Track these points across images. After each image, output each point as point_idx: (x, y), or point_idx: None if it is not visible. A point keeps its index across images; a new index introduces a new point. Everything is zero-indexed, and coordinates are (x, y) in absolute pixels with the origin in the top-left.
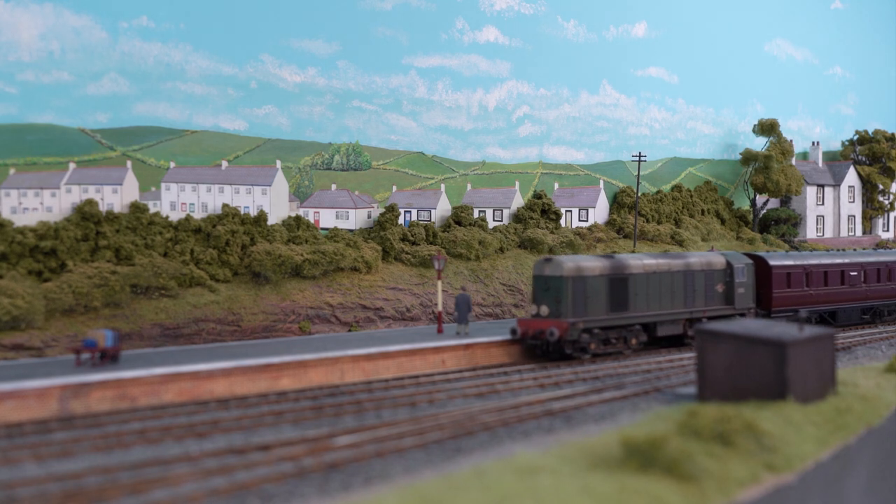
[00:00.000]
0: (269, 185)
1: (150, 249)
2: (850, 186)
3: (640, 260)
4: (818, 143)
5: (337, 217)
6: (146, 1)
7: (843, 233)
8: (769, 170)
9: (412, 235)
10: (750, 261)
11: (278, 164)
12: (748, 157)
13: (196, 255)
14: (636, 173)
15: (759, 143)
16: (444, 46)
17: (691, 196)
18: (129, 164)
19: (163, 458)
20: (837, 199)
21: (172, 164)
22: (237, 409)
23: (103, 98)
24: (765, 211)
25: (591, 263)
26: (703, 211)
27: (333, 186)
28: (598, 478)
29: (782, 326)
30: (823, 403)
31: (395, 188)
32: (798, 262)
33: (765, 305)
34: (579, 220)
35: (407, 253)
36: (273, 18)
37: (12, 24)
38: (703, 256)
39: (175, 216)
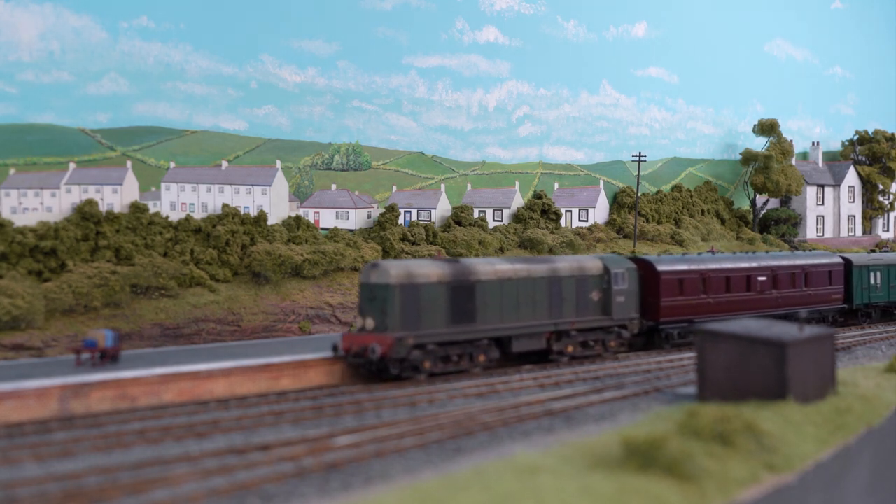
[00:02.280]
0: (269, 185)
1: (150, 249)
2: (850, 186)
3: (492, 265)
4: (818, 143)
5: (337, 217)
6: (146, 1)
7: (843, 233)
8: (769, 170)
9: (412, 235)
10: (632, 265)
11: (278, 164)
12: (748, 157)
13: (196, 255)
14: (636, 173)
15: (759, 143)
16: (444, 46)
17: (691, 196)
18: (129, 164)
19: (163, 458)
20: (837, 199)
21: (172, 164)
22: (237, 409)
23: (103, 98)
24: (765, 211)
25: (427, 269)
26: (703, 211)
27: (333, 186)
28: (598, 478)
29: (782, 326)
30: (823, 403)
31: (395, 188)
32: (693, 267)
33: (652, 315)
34: (579, 220)
35: (407, 253)
36: (273, 18)
37: (12, 24)
38: (575, 261)
39: (175, 216)
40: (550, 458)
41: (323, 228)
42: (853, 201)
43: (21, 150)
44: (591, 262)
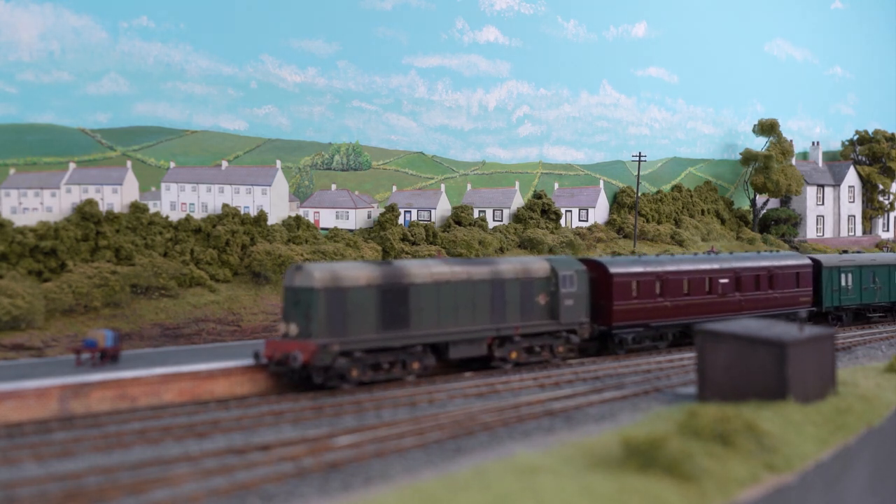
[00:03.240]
0: (269, 185)
1: (150, 249)
2: (850, 186)
3: (428, 267)
4: (818, 143)
5: (337, 217)
6: (146, 1)
7: (843, 233)
8: (769, 170)
9: (412, 235)
10: (582, 267)
11: (278, 164)
12: (748, 157)
13: (196, 255)
14: (636, 173)
15: (759, 143)
16: (444, 46)
17: (691, 196)
18: (129, 164)
19: (163, 458)
20: (837, 199)
21: (172, 164)
22: (237, 409)
23: (103, 98)
24: (765, 211)
25: (356, 272)
26: (703, 211)
27: (333, 186)
28: (598, 478)
29: (783, 326)
30: (823, 403)
31: (395, 188)
32: (650, 269)
33: (604, 320)
34: (579, 220)
35: (407, 253)
36: (273, 18)
37: (12, 24)
38: (520, 263)
39: (175, 216)
40: (550, 458)
41: (323, 228)
42: (853, 201)
43: (21, 150)
44: (537, 264)
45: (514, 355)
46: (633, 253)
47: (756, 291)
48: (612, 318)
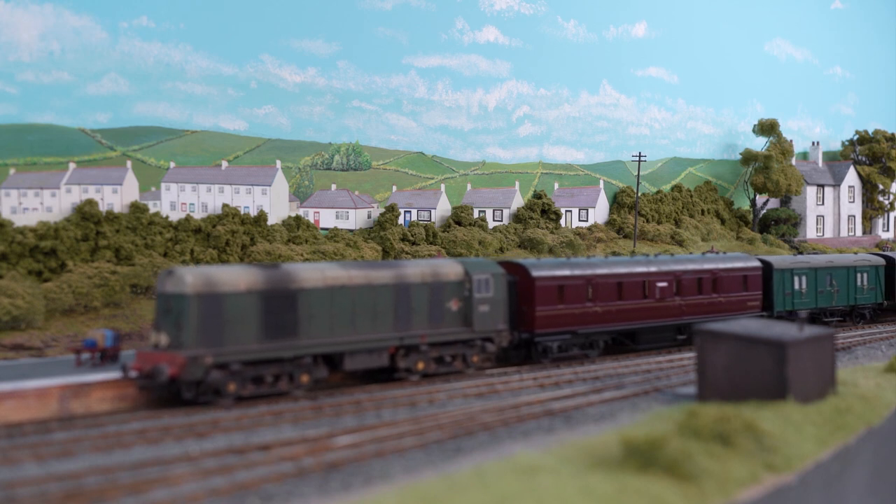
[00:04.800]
0: (269, 185)
1: (150, 249)
2: (850, 186)
3: (321, 271)
4: (818, 143)
5: (337, 217)
6: (146, 1)
7: (843, 233)
8: (769, 170)
9: (412, 235)
10: (501, 270)
11: (278, 164)
12: (748, 157)
13: (196, 255)
14: (636, 173)
15: (759, 143)
16: (444, 46)
17: (691, 196)
18: (129, 164)
19: (163, 458)
20: (837, 199)
21: (172, 164)
22: (237, 409)
23: (103, 98)
24: (765, 211)
25: (235, 276)
26: (703, 211)
27: (333, 186)
28: (598, 478)
29: (783, 326)
30: (823, 403)
31: (395, 188)
32: (578, 272)
33: (527, 326)
34: (579, 220)
35: (407, 253)
36: (273, 18)
37: (12, 24)
38: (429, 266)
39: (175, 216)
40: (550, 458)
41: (323, 228)
42: (853, 201)
43: (21, 150)
44: (448, 268)
45: (420, 366)
46: (632, 253)
47: (699, 296)
48: (535, 325)
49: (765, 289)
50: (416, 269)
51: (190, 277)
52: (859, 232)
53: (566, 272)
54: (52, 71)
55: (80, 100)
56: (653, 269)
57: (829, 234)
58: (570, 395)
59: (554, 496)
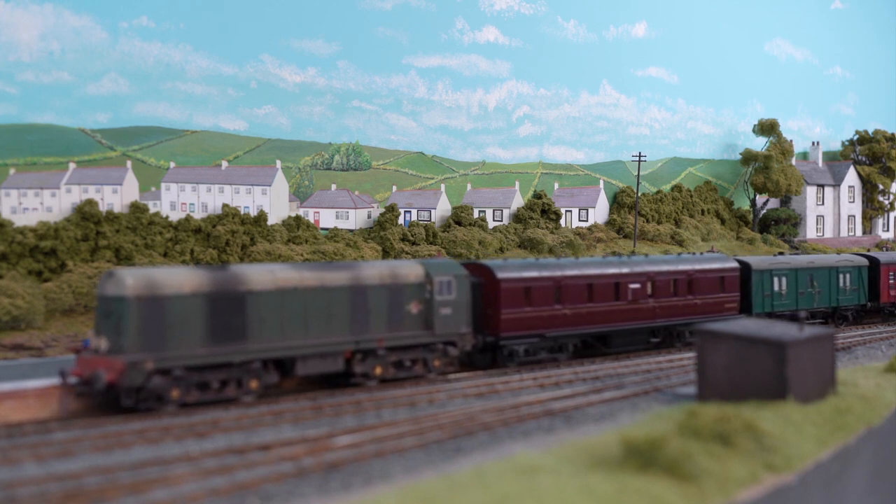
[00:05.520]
0: (269, 185)
1: (150, 249)
2: (850, 186)
3: (272, 273)
4: (818, 143)
5: (337, 217)
6: (146, 1)
7: (844, 233)
8: (769, 170)
9: (412, 235)
10: (464, 272)
11: (278, 164)
12: (748, 157)
13: (196, 255)
14: (636, 173)
15: (759, 143)
16: (444, 46)
17: (691, 196)
18: (129, 164)
19: (163, 458)
20: (837, 199)
21: (172, 164)
22: (237, 409)
23: (103, 98)
24: (765, 211)
25: (179, 279)
26: (703, 211)
27: (333, 186)
28: (598, 478)
29: (783, 326)
30: (823, 403)
31: (395, 188)
32: (546, 273)
33: (492, 329)
34: (579, 220)
35: (407, 253)
36: (273, 18)
37: (12, 24)
38: (387, 267)
39: (175, 216)
40: (550, 458)
41: (323, 228)
42: (853, 201)
43: (21, 150)
44: (408, 269)
45: (378, 371)
46: (632, 253)
47: (673, 297)
48: (500, 328)
49: (743, 290)
50: (373, 270)
51: (130, 280)
52: (859, 232)
53: (533, 273)
54: (52, 71)
55: (80, 100)
56: (625, 270)
57: (829, 234)
58: (570, 395)
59: (554, 496)
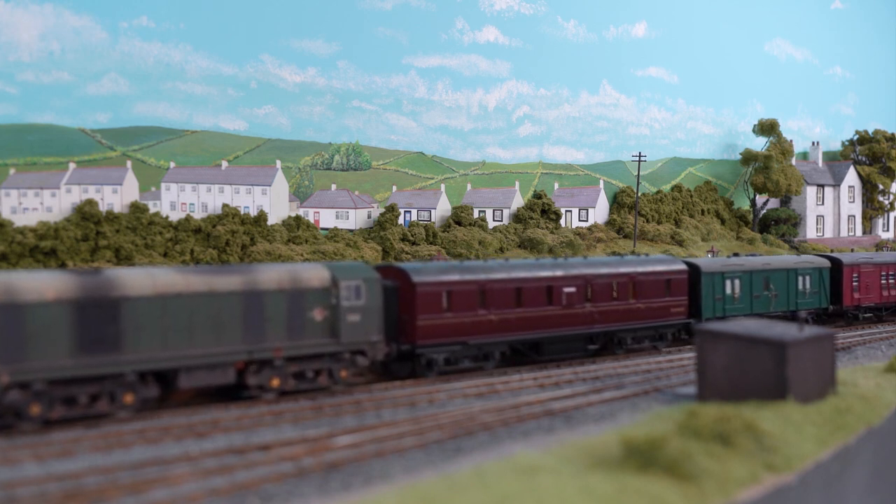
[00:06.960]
0: (269, 185)
1: (150, 249)
2: (850, 186)
3: (151, 277)
4: (818, 143)
5: (337, 217)
6: (146, 1)
7: (843, 233)
8: (769, 170)
9: (412, 235)
10: (375, 275)
11: (278, 164)
12: (748, 157)
13: (196, 255)
14: (636, 173)
15: (759, 143)
16: (444, 46)
17: (691, 196)
18: (129, 164)
19: (163, 458)
20: (837, 199)
21: (172, 164)
22: (237, 409)
23: (103, 98)
24: (765, 211)
25: (40, 284)
26: (703, 211)
27: (333, 186)
28: (598, 478)
29: (783, 326)
30: (823, 403)
31: (395, 188)
32: (469, 277)
33: (408, 337)
34: (579, 220)
35: (407, 253)
36: (273, 18)
37: (12, 24)
38: (287, 271)
39: (175, 216)
40: (550, 458)
41: (323, 228)
42: (853, 201)
43: (21, 150)
44: (311, 272)
45: (275, 382)
46: (632, 253)
47: (613, 302)
48: (417, 336)
49: (693, 294)
50: (271, 274)
51: None
52: (859, 232)
53: (454, 277)
54: (52, 71)
55: (80, 100)
56: (559, 272)
57: (829, 234)
58: (570, 395)
59: (554, 496)
